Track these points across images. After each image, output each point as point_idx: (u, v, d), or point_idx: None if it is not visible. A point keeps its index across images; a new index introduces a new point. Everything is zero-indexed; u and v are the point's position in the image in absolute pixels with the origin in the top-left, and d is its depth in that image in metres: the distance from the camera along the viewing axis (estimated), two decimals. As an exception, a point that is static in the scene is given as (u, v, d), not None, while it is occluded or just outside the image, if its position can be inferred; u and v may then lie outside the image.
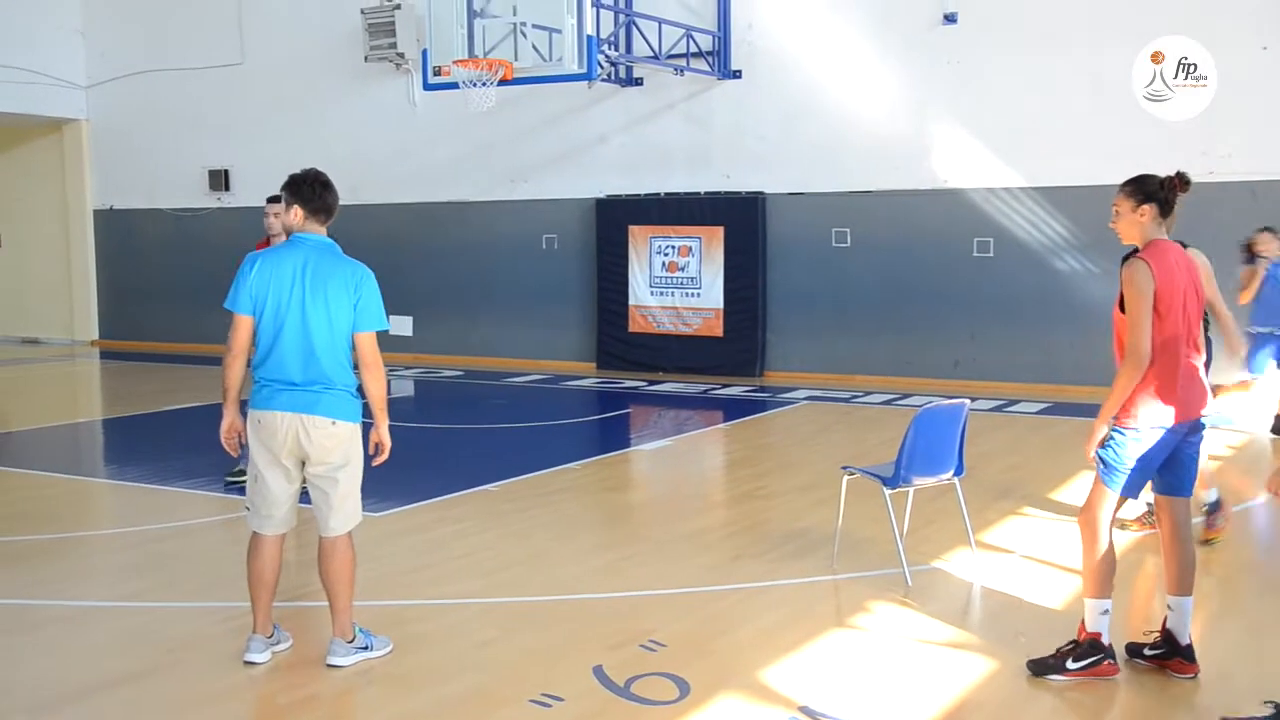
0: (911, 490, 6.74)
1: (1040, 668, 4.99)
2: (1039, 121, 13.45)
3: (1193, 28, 12.37)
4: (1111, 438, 4.87)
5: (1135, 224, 4.92)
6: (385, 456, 5.22)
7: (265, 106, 18.45)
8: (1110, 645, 4.97)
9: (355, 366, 5.16)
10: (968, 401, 6.68)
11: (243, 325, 5.09)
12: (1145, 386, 4.78)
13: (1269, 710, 4.42)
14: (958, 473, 6.57)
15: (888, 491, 6.30)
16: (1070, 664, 4.94)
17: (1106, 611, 4.94)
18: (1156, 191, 4.90)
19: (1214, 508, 7.05)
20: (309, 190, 5.14)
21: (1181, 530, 5.08)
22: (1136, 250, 4.94)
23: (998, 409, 12.41)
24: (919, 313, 14.23)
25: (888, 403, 12.98)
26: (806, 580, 6.44)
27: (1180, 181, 4.96)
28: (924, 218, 14.16)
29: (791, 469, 9.85)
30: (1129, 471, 4.86)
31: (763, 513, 8.21)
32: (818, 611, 6.00)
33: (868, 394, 13.63)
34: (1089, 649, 4.93)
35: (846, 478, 6.67)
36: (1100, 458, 4.90)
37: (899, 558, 6.34)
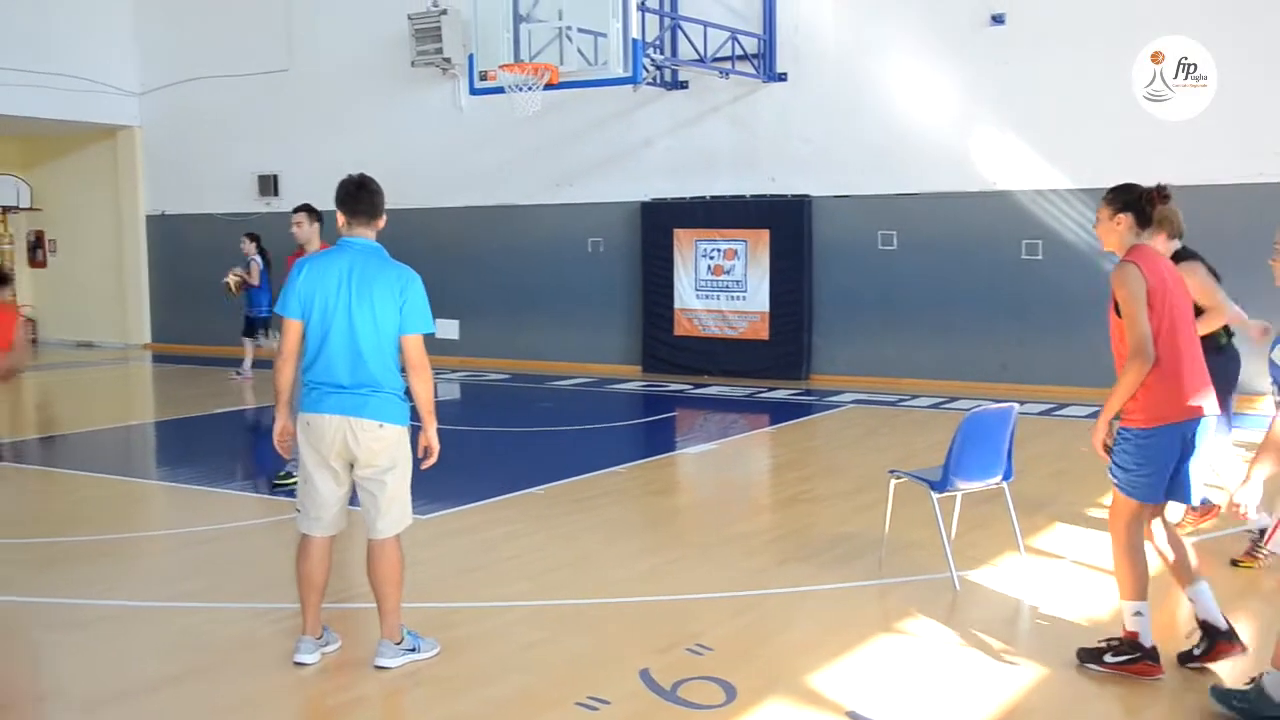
0: (959, 494, 6.68)
1: (1084, 655, 5.08)
2: (1087, 122, 13.31)
3: (1251, 26, 12.24)
4: (1119, 443, 4.95)
5: (1112, 231, 5.05)
6: (434, 460, 5.24)
7: (313, 112, 18.64)
8: (1152, 647, 4.94)
9: (403, 370, 5.20)
10: (1016, 405, 6.61)
11: (292, 329, 5.14)
12: (1145, 386, 4.83)
13: (1249, 685, 4.52)
14: (1006, 477, 6.51)
15: (935, 495, 6.25)
16: (1108, 658, 5.00)
17: (1139, 613, 4.94)
18: (1134, 202, 5.01)
19: (1262, 534, 6.56)
20: (342, 193, 5.21)
21: (1167, 525, 5.17)
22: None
23: (1046, 413, 12.29)
24: (966, 315, 14.12)
25: (935, 406, 12.89)
26: (853, 584, 6.41)
27: (1159, 194, 5.02)
28: (971, 220, 14.05)
29: (838, 472, 9.80)
30: (1142, 475, 4.88)
31: (809, 516, 8.18)
32: (865, 616, 5.96)
33: (915, 397, 13.54)
34: (1128, 647, 4.97)
35: (894, 481, 6.63)
36: (1115, 463, 4.96)
37: (947, 562, 6.29)
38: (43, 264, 22.28)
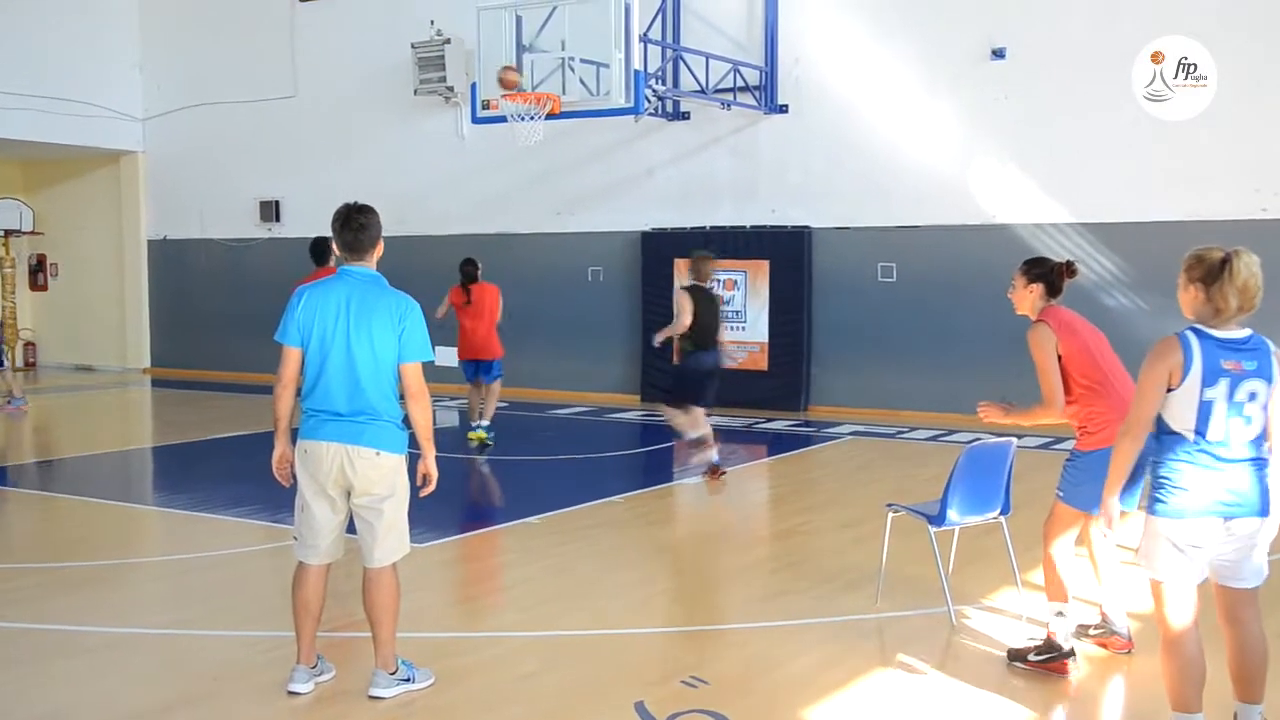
0: (957, 529, 6.67)
1: (1012, 655, 5.60)
2: (1087, 157, 13.36)
3: (1249, 69, 12.30)
4: (1071, 462, 5.73)
5: (1025, 297, 5.77)
6: (433, 488, 5.24)
7: (316, 139, 18.71)
8: (1071, 649, 5.44)
9: (402, 398, 5.20)
10: (1015, 439, 6.61)
11: (290, 357, 5.15)
12: (1092, 416, 5.58)
13: None
14: (1004, 511, 6.50)
15: (933, 529, 6.24)
16: (1031, 656, 5.51)
17: (1061, 614, 5.47)
18: (1047, 274, 5.73)
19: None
20: (334, 223, 5.22)
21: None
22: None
23: (1045, 446, 12.28)
24: (966, 348, 14.12)
25: (933, 439, 12.88)
26: (850, 618, 6.39)
27: (1068, 269, 5.76)
28: (971, 253, 14.07)
29: (835, 505, 9.79)
30: (1085, 488, 5.43)
31: (806, 548, 8.16)
32: (861, 650, 5.94)
33: (913, 429, 13.53)
34: (1047, 647, 5.48)
35: (891, 515, 6.62)
36: (1065, 480, 5.66)
37: (944, 596, 6.27)
38: (44, 287, 22.30)
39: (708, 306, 10.47)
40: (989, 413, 5.86)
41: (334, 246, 5.26)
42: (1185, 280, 4.32)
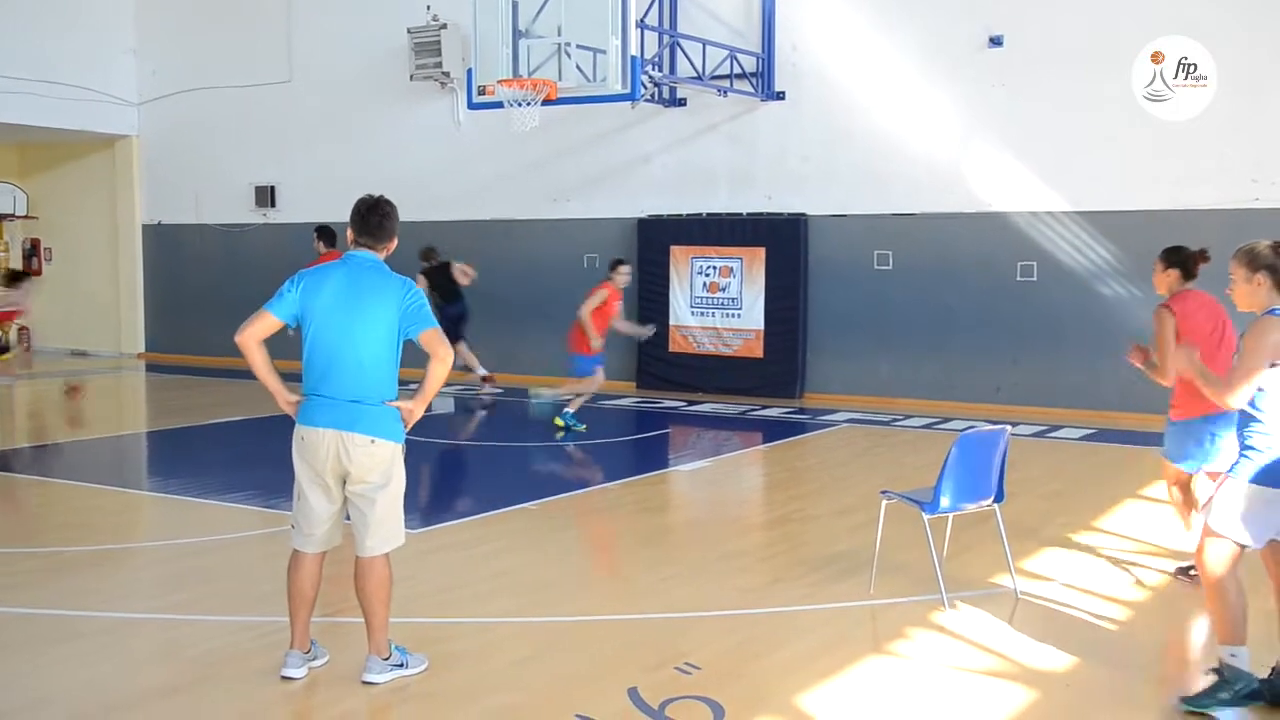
0: (951, 516, 6.69)
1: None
2: (1084, 145, 13.36)
3: (1248, 62, 12.30)
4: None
5: (1163, 280, 6.71)
6: (408, 426, 5.21)
7: (311, 124, 18.65)
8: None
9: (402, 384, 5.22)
10: (1009, 427, 6.62)
11: (263, 319, 5.09)
12: (1184, 397, 6.44)
13: (1212, 678, 4.86)
14: (998, 499, 6.52)
15: (927, 517, 6.25)
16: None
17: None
18: (1182, 261, 6.68)
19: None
20: (354, 212, 5.23)
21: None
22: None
23: (1040, 435, 12.30)
24: (961, 336, 14.14)
25: (928, 426, 12.90)
26: (844, 605, 6.40)
27: (1202, 256, 6.64)
28: (967, 241, 14.08)
29: (830, 492, 9.80)
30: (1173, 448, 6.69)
31: (801, 536, 8.18)
32: (855, 636, 5.95)
33: (908, 417, 13.54)
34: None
35: (885, 502, 6.64)
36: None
37: (938, 583, 6.29)
38: (38, 272, 22.22)
39: (443, 279, 14.84)
40: (1133, 357, 6.51)
41: (349, 234, 5.25)
42: (1247, 273, 4.85)
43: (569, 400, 12.60)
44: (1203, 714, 4.76)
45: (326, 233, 13.71)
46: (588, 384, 12.44)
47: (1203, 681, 4.93)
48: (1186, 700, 4.84)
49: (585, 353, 12.21)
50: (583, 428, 12.38)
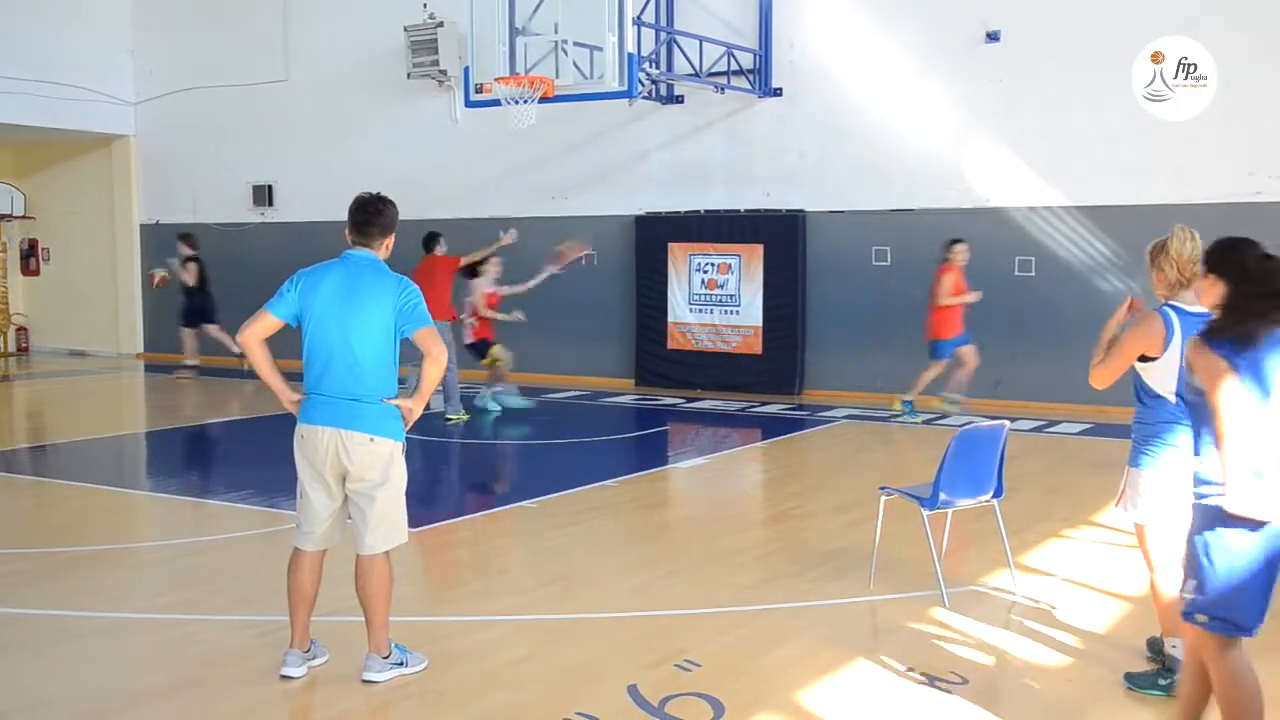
0: (950, 511, 6.68)
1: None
2: (1082, 140, 13.35)
3: (1249, 54, 12.29)
4: None
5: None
6: (408, 424, 5.22)
7: (309, 123, 18.63)
8: None
9: (401, 382, 5.21)
10: (1007, 422, 6.62)
11: (263, 319, 5.11)
12: None
13: (1155, 663, 5.17)
14: (997, 494, 6.51)
15: (926, 512, 6.25)
16: None
17: None
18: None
19: None
20: (350, 209, 5.23)
21: None
22: None
23: (1038, 430, 12.30)
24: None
25: (927, 422, 12.89)
26: (843, 601, 6.40)
27: None
28: (965, 236, 14.01)
29: (829, 488, 9.80)
30: None
31: (800, 532, 8.18)
32: (854, 633, 5.95)
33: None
34: None
35: (884, 498, 6.63)
36: None
37: (937, 579, 6.29)
38: (36, 272, 22.23)
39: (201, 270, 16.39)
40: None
41: (347, 234, 5.25)
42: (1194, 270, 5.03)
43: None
44: (1142, 694, 5.00)
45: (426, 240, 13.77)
46: (938, 369, 12.82)
47: (1148, 666, 5.20)
48: (1129, 678, 5.10)
49: (945, 337, 12.70)
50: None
